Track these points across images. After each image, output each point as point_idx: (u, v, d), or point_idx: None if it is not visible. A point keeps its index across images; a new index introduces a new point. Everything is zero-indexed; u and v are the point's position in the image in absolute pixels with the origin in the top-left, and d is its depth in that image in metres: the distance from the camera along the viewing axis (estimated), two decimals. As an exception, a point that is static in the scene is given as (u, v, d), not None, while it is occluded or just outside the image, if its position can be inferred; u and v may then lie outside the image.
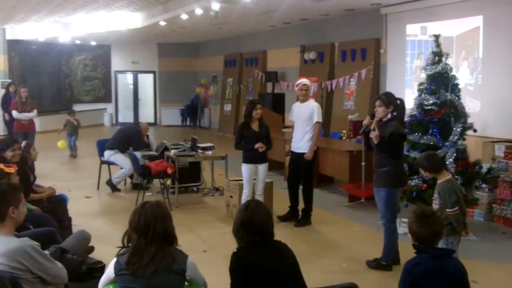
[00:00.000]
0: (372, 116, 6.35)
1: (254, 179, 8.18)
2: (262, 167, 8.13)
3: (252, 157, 8.04)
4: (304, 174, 8.29)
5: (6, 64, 20.39)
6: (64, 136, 15.11)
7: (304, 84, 8.27)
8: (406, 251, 4.10)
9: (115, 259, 3.57)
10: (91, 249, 5.93)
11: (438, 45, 8.36)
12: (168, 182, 10.07)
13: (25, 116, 12.43)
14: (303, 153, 8.14)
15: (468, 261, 6.08)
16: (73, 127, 15.00)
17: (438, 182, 5.21)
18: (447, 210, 5.00)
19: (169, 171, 9.30)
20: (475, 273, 5.40)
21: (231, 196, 8.75)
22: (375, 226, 8.05)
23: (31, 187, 6.72)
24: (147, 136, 11.55)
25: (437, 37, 8.39)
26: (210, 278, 3.87)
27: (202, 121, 24.07)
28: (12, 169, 5.65)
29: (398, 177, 6.30)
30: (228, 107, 20.80)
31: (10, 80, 18.75)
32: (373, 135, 6.16)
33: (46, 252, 4.06)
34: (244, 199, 7.96)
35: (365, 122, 6.46)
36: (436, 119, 8.12)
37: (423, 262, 3.54)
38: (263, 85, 18.30)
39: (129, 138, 10.68)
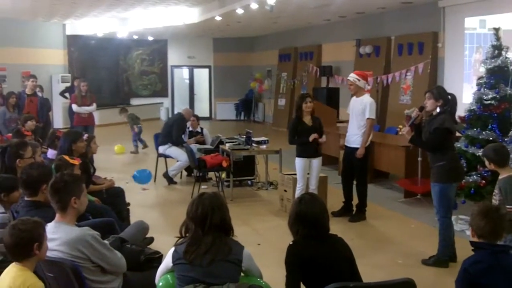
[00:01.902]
0: (421, 109, 6.27)
1: (308, 174, 8.17)
2: (316, 162, 8.11)
3: (306, 151, 8.03)
4: (358, 169, 8.23)
5: (66, 59, 20.95)
6: (124, 138, 15.18)
7: (348, 79, 8.23)
8: (463, 248, 4.03)
9: (173, 249, 3.64)
10: (151, 240, 6.05)
11: (497, 39, 8.15)
12: (223, 175, 10.17)
13: (84, 109, 12.71)
14: (356, 148, 8.09)
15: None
16: (131, 120, 15.05)
17: (500, 177, 5.10)
18: (507, 206, 4.89)
19: (224, 164, 9.40)
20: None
21: (285, 190, 8.77)
22: (432, 223, 7.91)
23: (91, 178, 6.90)
24: (202, 129, 11.69)
25: (496, 30, 8.19)
26: (265, 271, 3.90)
27: (256, 115, 24.15)
28: (76, 161, 5.82)
29: (452, 172, 6.19)
30: (282, 102, 20.80)
31: (69, 75, 19.27)
32: (405, 131, 6.08)
33: (106, 241, 4.16)
34: (298, 193, 7.96)
35: (413, 114, 6.34)
36: (495, 114, 7.94)
37: (482, 260, 3.47)
38: (317, 80, 18.22)
39: (172, 127, 10.86)
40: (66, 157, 5.82)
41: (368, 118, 8.05)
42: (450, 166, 6.16)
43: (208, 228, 3.55)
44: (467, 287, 3.46)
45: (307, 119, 8.03)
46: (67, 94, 15.16)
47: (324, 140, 8.06)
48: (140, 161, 13.55)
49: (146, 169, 9.48)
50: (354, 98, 8.33)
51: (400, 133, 6.07)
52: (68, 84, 16.25)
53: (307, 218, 3.70)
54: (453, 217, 6.46)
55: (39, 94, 13.08)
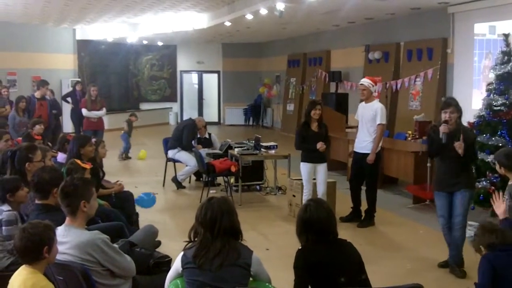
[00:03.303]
0: (445, 122, 6.05)
1: (314, 179, 8.18)
2: (322, 167, 8.12)
3: (312, 157, 8.05)
4: (368, 174, 8.22)
5: (76, 64, 21.04)
6: (134, 143, 15.16)
7: (361, 84, 8.21)
8: (472, 253, 4.06)
9: (182, 253, 3.65)
10: (158, 243, 6.06)
11: (507, 45, 8.16)
12: (232, 180, 10.19)
13: (94, 114, 12.78)
14: (367, 154, 8.08)
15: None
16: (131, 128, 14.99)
17: (510, 183, 5.09)
18: None
19: (233, 169, 9.42)
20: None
21: (294, 195, 8.78)
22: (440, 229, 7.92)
23: (100, 182, 6.94)
24: (209, 134, 11.73)
25: (506, 36, 8.19)
26: (273, 275, 3.90)
27: (265, 120, 24.16)
28: (87, 165, 5.85)
29: (474, 179, 6.29)
30: (290, 107, 20.81)
31: (79, 79, 19.37)
32: (459, 146, 5.91)
33: (115, 245, 4.18)
34: (305, 198, 7.98)
35: (444, 130, 6.03)
36: (505, 120, 7.94)
37: (502, 255, 3.72)
38: (326, 85, 18.21)
39: (182, 131, 10.89)
40: (78, 161, 5.86)
41: (379, 124, 8.05)
42: (473, 173, 6.26)
43: (217, 232, 3.56)
44: (491, 274, 3.66)
45: (314, 126, 8.05)
46: (69, 99, 15.22)
47: (323, 147, 8.00)
48: (148, 166, 13.57)
49: (150, 193, 9.08)
50: (363, 104, 8.32)
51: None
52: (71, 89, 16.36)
53: (313, 225, 3.71)
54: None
55: (47, 97, 13.17)
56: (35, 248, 3.38)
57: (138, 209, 7.35)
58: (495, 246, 3.78)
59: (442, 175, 6.18)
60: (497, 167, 5.31)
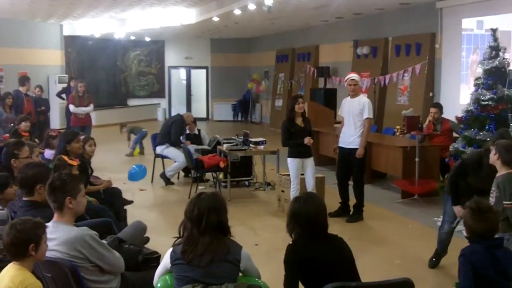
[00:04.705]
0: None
1: (302, 174, 8.20)
2: (309, 162, 8.15)
3: (299, 152, 8.07)
4: (356, 169, 8.24)
5: (63, 59, 20.90)
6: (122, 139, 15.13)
7: (352, 79, 8.20)
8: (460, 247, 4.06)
9: (171, 249, 3.65)
10: (147, 239, 6.04)
11: (495, 39, 8.18)
12: (221, 176, 10.17)
13: (82, 110, 12.71)
14: (355, 149, 8.10)
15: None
16: (131, 130, 14.83)
17: (498, 174, 5.08)
18: (504, 202, 4.88)
19: (222, 165, 9.40)
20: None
21: (283, 191, 8.78)
22: (429, 223, 7.96)
23: (89, 179, 6.90)
24: (199, 130, 11.70)
25: (494, 31, 8.21)
26: (263, 271, 3.90)
27: (253, 116, 24.16)
28: (75, 162, 5.82)
29: None
30: (279, 102, 20.81)
31: (66, 75, 19.27)
32: None
33: (104, 241, 4.16)
34: (293, 194, 7.97)
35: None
36: (493, 115, 7.96)
37: (479, 250, 3.65)
38: (315, 80, 18.22)
39: (170, 127, 10.87)
40: (65, 157, 5.83)
41: (367, 118, 8.08)
42: None
43: (204, 228, 3.56)
44: (471, 274, 3.59)
45: (299, 121, 8.07)
46: (63, 95, 15.12)
47: (311, 141, 8.06)
48: (136, 162, 13.48)
49: (141, 165, 9.14)
50: (348, 99, 8.33)
51: None
52: (65, 85, 16.24)
53: (301, 217, 3.70)
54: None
55: (31, 94, 13.10)
56: (21, 245, 3.35)
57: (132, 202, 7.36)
58: (478, 235, 3.70)
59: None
60: (493, 153, 5.17)
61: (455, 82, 12.01)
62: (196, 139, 11.46)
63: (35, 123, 12.05)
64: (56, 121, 18.30)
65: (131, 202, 7.63)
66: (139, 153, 14.48)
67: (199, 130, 11.72)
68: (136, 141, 14.54)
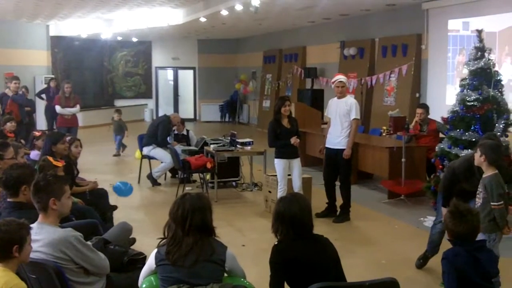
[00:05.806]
0: None
1: (289, 175, 8.21)
2: (296, 162, 8.17)
3: (287, 153, 8.09)
4: (343, 169, 8.26)
5: (49, 60, 20.80)
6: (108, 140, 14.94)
7: (340, 81, 8.22)
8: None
9: (156, 250, 3.64)
10: (133, 241, 6.02)
11: (480, 40, 8.21)
12: (208, 176, 10.15)
13: (68, 111, 12.65)
14: (342, 149, 8.12)
15: (509, 259, 6.02)
16: (118, 126, 14.69)
17: (484, 175, 5.11)
18: (492, 203, 4.91)
19: (209, 165, 9.39)
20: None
21: (270, 191, 8.77)
22: (415, 223, 7.99)
23: (74, 180, 6.87)
24: (188, 131, 11.68)
25: (479, 32, 8.24)
26: (249, 271, 3.90)
27: (241, 117, 24.15)
28: (59, 163, 5.79)
29: None
30: (267, 103, 20.82)
31: (53, 76, 19.16)
32: None
33: (89, 243, 4.14)
34: (280, 194, 7.96)
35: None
36: (478, 115, 7.99)
37: (461, 253, 3.66)
38: (302, 81, 18.26)
39: (157, 128, 10.84)
40: (50, 159, 5.79)
41: (354, 119, 8.11)
42: None
43: (188, 229, 3.55)
44: (455, 276, 3.60)
45: (285, 122, 8.09)
46: (43, 95, 15.03)
47: (298, 141, 8.09)
48: (123, 163, 13.49)
49: (127, 183, 8.77)
50: (334, 100, 8.35)
51: None
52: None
53: (286, 217, 3.70)
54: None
55: (11, 94, 13.03)
56: (4, 246, 3.33)
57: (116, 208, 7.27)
58: (459, 237, 3.71)
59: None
60: (478, 154, 5.19)
61: (441, 83, 12.07)
62: (184, 139, 11.43)
63: (21, 123, 11.98)
64: (42, 122, 18.20)
65: (115, 207, 7.48)
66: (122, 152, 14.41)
67: (187, 131, 11.70)
68: (119, 142, 14.46)
